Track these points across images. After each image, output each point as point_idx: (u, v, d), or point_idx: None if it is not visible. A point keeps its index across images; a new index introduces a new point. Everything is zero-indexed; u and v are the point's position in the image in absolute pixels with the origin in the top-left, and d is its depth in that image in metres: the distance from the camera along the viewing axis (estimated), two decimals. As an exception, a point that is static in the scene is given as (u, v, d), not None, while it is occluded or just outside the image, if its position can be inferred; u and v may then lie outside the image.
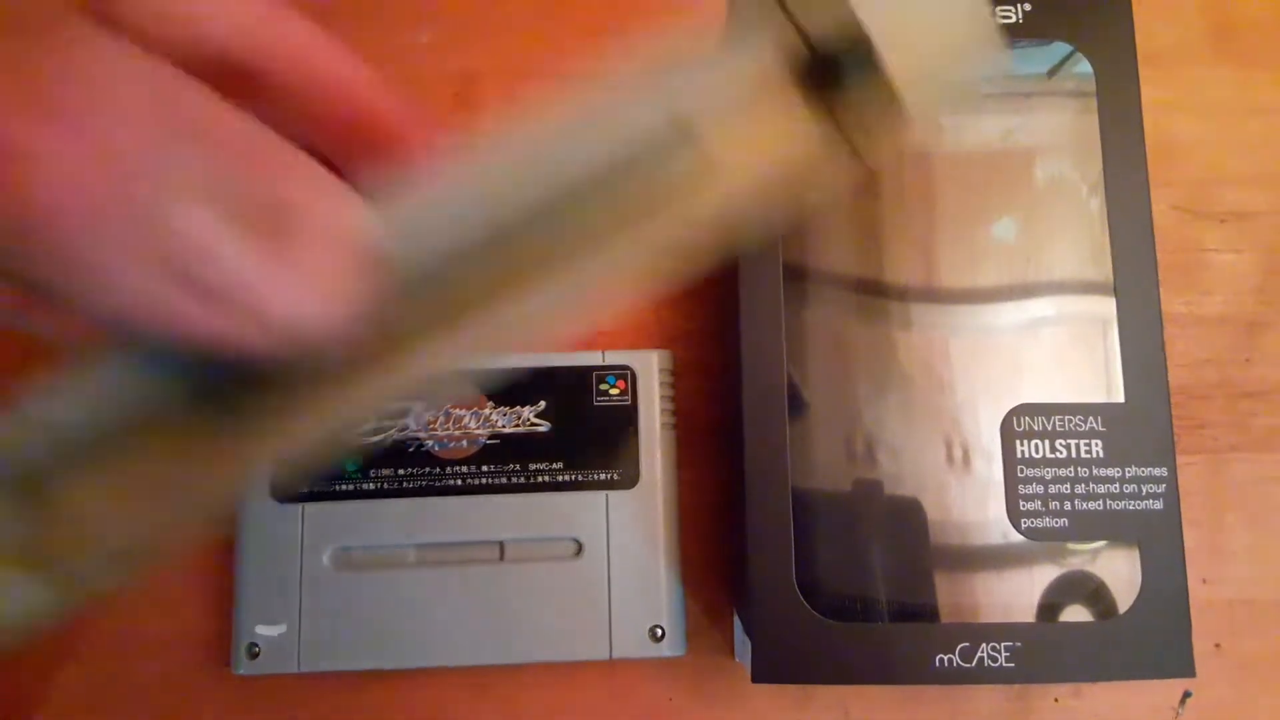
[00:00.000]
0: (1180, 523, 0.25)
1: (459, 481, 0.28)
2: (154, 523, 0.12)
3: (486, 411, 0.28)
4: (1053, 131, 0.27)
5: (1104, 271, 0.26)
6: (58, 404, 0.11)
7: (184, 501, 0.12)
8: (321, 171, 0.10)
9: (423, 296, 0.12)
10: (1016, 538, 0.25)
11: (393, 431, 0.28)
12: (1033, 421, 0.25)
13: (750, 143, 0.13)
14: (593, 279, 0.12)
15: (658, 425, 0.28)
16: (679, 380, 0.30)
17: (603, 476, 0.28)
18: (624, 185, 0.13)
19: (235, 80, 0.15)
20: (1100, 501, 0.25)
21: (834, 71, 0.12)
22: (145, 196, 0.09)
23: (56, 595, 0.12)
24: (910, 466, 0.25)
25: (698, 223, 0.13)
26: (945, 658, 0.24)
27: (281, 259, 0.10)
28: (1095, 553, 0.25)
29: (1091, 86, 0.27)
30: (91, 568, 0.12)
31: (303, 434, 0.12)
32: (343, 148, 0.16)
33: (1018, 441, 0.25)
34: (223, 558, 0.29)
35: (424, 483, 0.28)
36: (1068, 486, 0.25)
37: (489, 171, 0.12)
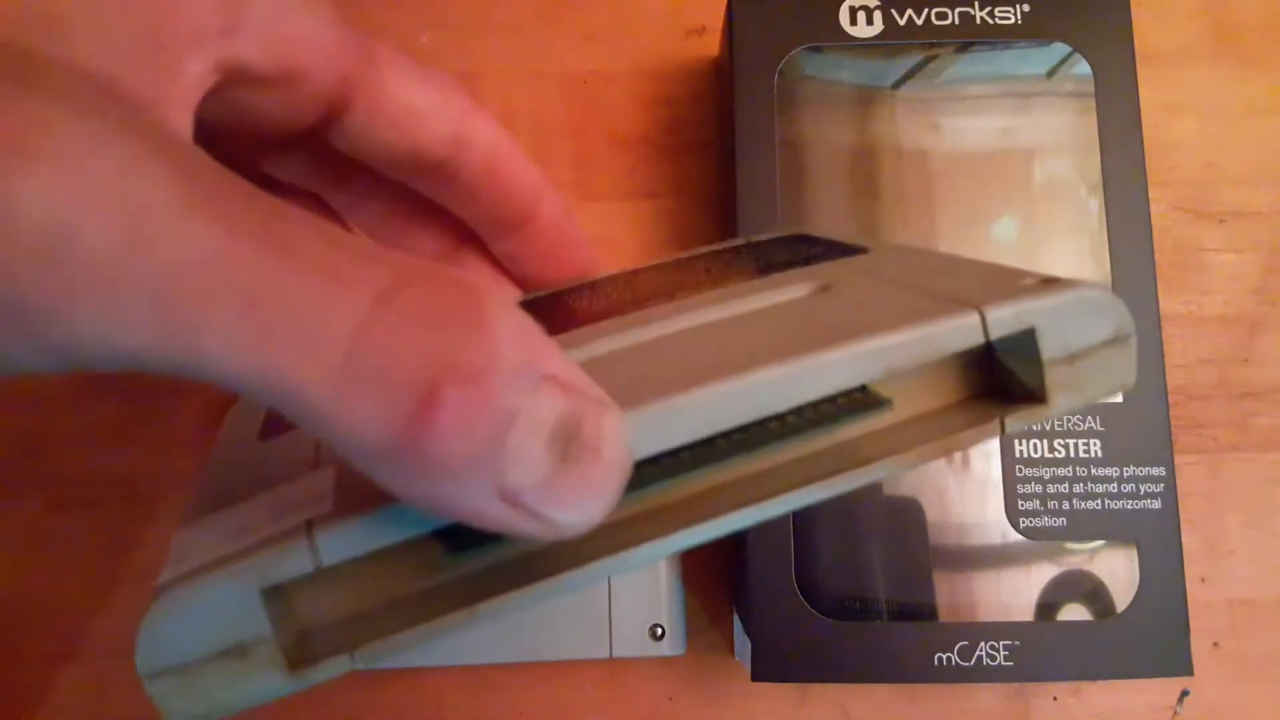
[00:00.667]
0: (1178, 522, 0.25)
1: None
2: (382, 637, 0.13)
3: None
4: (1052, 132, 0.27)
5: (1103, 271, 0.26)
6: (348, 532, 0.13)
7: (405, 631, 0.13)
8: (597, 390, 0.12)
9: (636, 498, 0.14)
10: (1015, 537, 0.25)
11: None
12: (1031, 421, 0.25)
13: (913, 401, 0.15)
14: (781, 490, 0.14)
15: (658, 425, 0.28)
16: (679, 380, 0.30)
17: (603, 476, 0.28)
18: (812, 434, 0.14)
19: (424, 171, 0.18)
20: (1098, 501, 0.25)
21: (999, 358, 0.15)
22: (503, 432, 0.11)
23: (289, 688, 0.13)
24: (909, 466, 0.25)
25: (870, 458, 0.14)
26: (944, 656, 0.24)
27: (573, 476, 0.12)
28: (1093, 552, 0.25)
29: (1090, 87, 0.27)
30: (323, 669, 0.13)
31: (509, 603, 0.13)
32: (498, 230, 0.20)
33: (1016, 440, 0.25)
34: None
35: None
36: (1066, 486, 0.25)
37: (735, 388, 0.13)
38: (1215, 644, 0.29)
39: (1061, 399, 0.14)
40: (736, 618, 0.28)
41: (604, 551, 0.14)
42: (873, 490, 0.25)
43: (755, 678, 0.24)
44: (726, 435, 0.14)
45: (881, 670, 0.24)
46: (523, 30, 0.33)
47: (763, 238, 0.23)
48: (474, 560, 0.14)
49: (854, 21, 0.27)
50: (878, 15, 0.27)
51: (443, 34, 0.33)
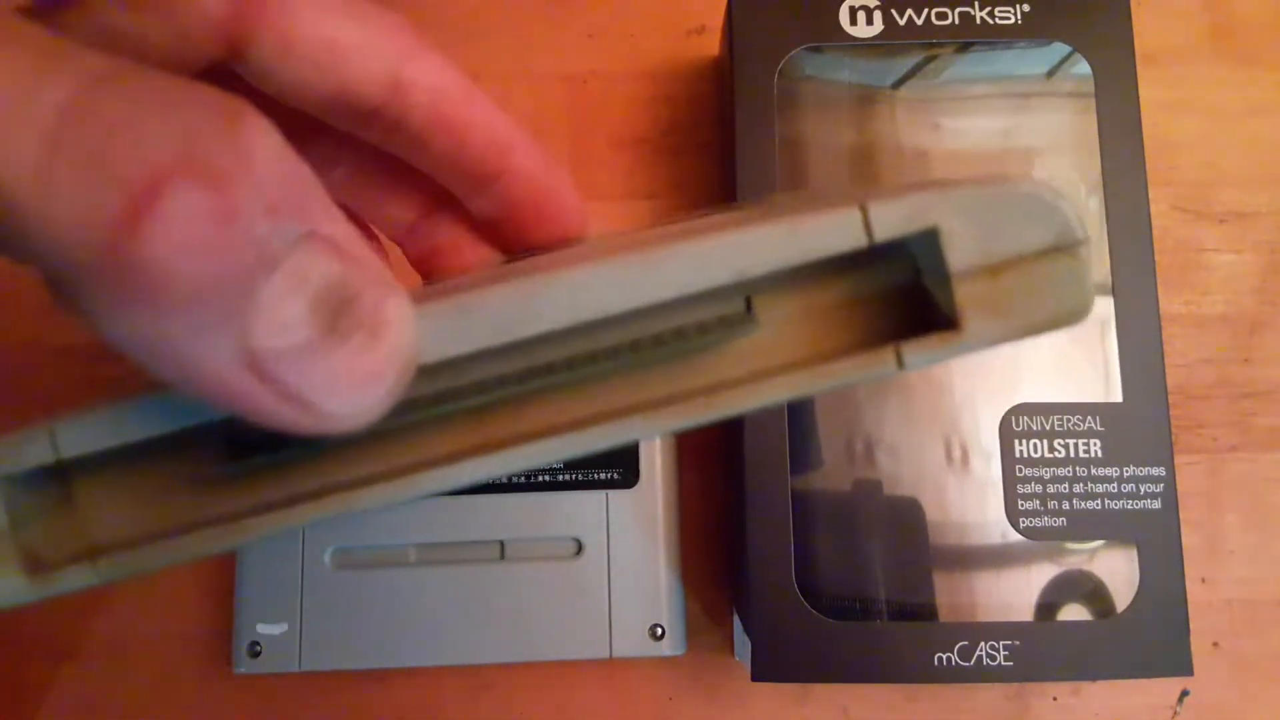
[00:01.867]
0: (1178, 522, 0.25)
1: (459, 481, 0.28)
2: (152, 546, 0.12)
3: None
4: (1051, 132, 0.27)
5: (1102, 271, 0.26)
6: (100, 417, 0.12)
7: (186, 533, 0.12)
8: (384, 269, 0.11)
9: (436, 397, 0.12)
10: (1015, 537, 0.25)
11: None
12: (1031, 421, 0.25)
13: (795, 328, 0.13)
14: (610, 417, 0.12)
15: (657, 425, 0.28)
16: (679, 380, 0.30)
17: (603, 476, 0.28)
18: (668, 332, 0.12)
19: (361, 118, 0.16)
20: (1098, 501, 0.25)
21: (896, 268, 0.12)
22: (253, 271, 0.09)
23: (26, 594, 0.12)
24: (909, 466, 0.25)
25: (723, 386, 0.12)
26: (944, 656, 0.24)
27: (341, 353, 0.10)
28: (1093, 552, 0.25)
29: (1090, 87, 0.27)
30: (78, 574, 0.12)
31: (307, 508, 0.12)
32: (467, 187, 0.18)
33: (1016, 441, 0.25)
34: (223, 557, 0.29)
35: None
36: (1066, 486, 0.25)
37: (542, 290, 0.12)
38: (1215, 644, 0.29)
39: (979, 324, 0.11)
40: (736, 618, 0.28)
41: (392, 473, 0.12)
42: (873, 490, 0.25)
43: (755, 678, 0.24)
44: (564, 356, 0.12)
45: (881, 670, 0.24)
46: (523, 30, 0.33)
47: (748, 201, 0.22)
48: (249, 470, 0.12)
49: (854, 21, 0.27)
50: (878, 15, 0.27)
51: (442, 34, 0.33)
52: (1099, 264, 0.26)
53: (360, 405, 0.11)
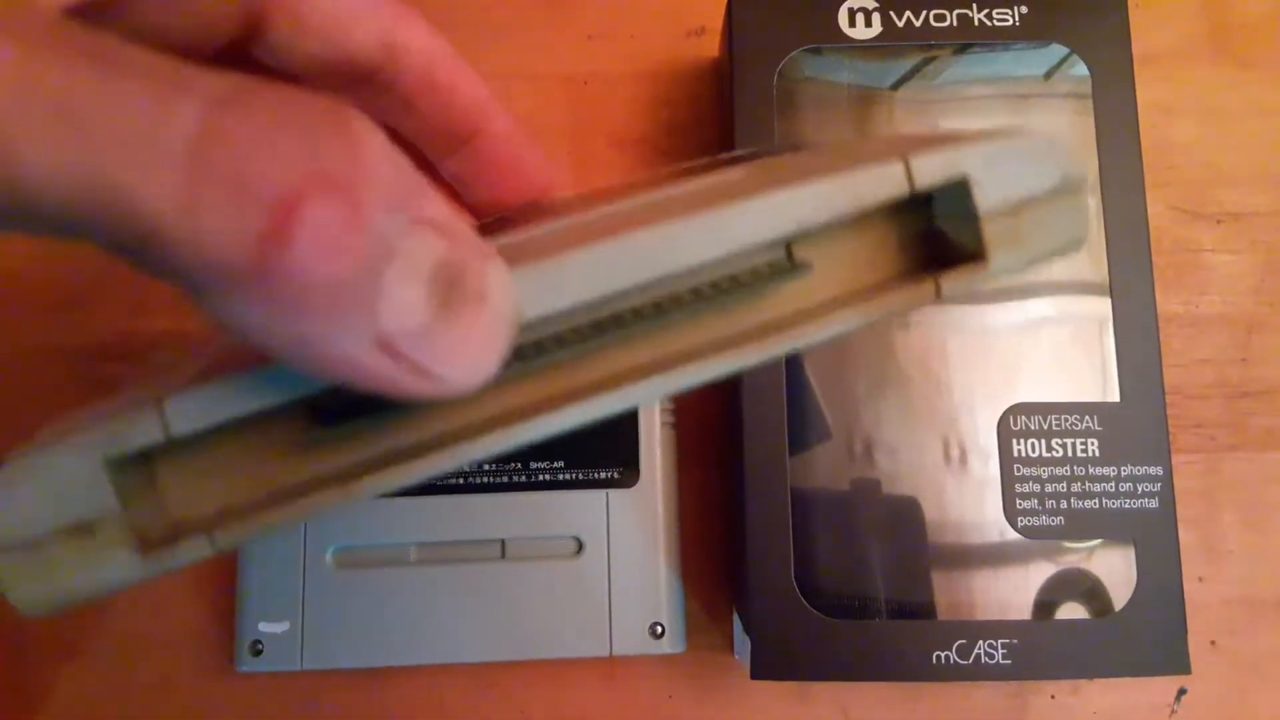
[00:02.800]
0: (1176, 521, 0.25)
1: (460, 480, 0.28)
2: (246, 517, 0.13)
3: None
4: (1049, 133, 0.27)
5: (1100, 271, 0.26)
6: (202, 398, 0.12)
7: (279, 501, 0.13)
8: (479, 239, 0.11)
9: (518, 355, 0.13)
10: (1013, 536, 0.25)
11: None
12: (1029, 421, 0.25)
13: (842, 268, 0.14)
14: (674, 359, 0.13)
15: (658, 425, 0.29)
16: (678, 380, 0.30)
17: (603, 475, 0.28)
18: (728, 279, 0.13)
19: (357, 83, 0.17)
20: (1096, 500, 0.25)
21: (929, 212, 0.14)
22: (378, 265, 0.10)
23: (142, 573, 0.12)
24: (908, 466, 0.25)
25: (783, 323, 0.14)
26: (943, 655, 0.24)
27: (456, 326, 0.11)
28: (1091, 551, 0.25)
29: (1088, 88, 0.27)
30: (179, 552, 0.13)
31: (400, 473, 0.13)
32: (444, 147, 0.19)
33: (1014, 440, 0.25)
34: (225, 556, 0.29)
35: (425, 482, 0.28)
36: (1064, 485, 0.25)
37: (624, 248, 0.12)
38: (1213, 642, 0.29)
39: (1002, 255, 0.13)
40: (736, 617, 0.28)
41: (492, 424, 0.13)
42: (872, 490, 0.25)
43: (755, 676, 0.24)
44: (632, 306, 0.13)
45: (880, 669, 0.24)
46: (523, 31, 0.33)
47: (742, 151, 0.22)
48: (348, 433, 0.13)
49: (853, 23, 0.27)
50: (876, 17, 0.27)
51: (442, 33, 0.33)
52: (1097, 264, 0.26)
53: (480, 370, 0.11)
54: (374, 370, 0.11)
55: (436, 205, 0.11)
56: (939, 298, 0.14)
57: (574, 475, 0.28)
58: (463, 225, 0.11)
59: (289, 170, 0.09)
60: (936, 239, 0.14)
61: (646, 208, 0.14)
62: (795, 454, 0.25)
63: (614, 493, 0.28)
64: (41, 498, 0.12)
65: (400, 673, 0.29)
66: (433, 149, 0.19)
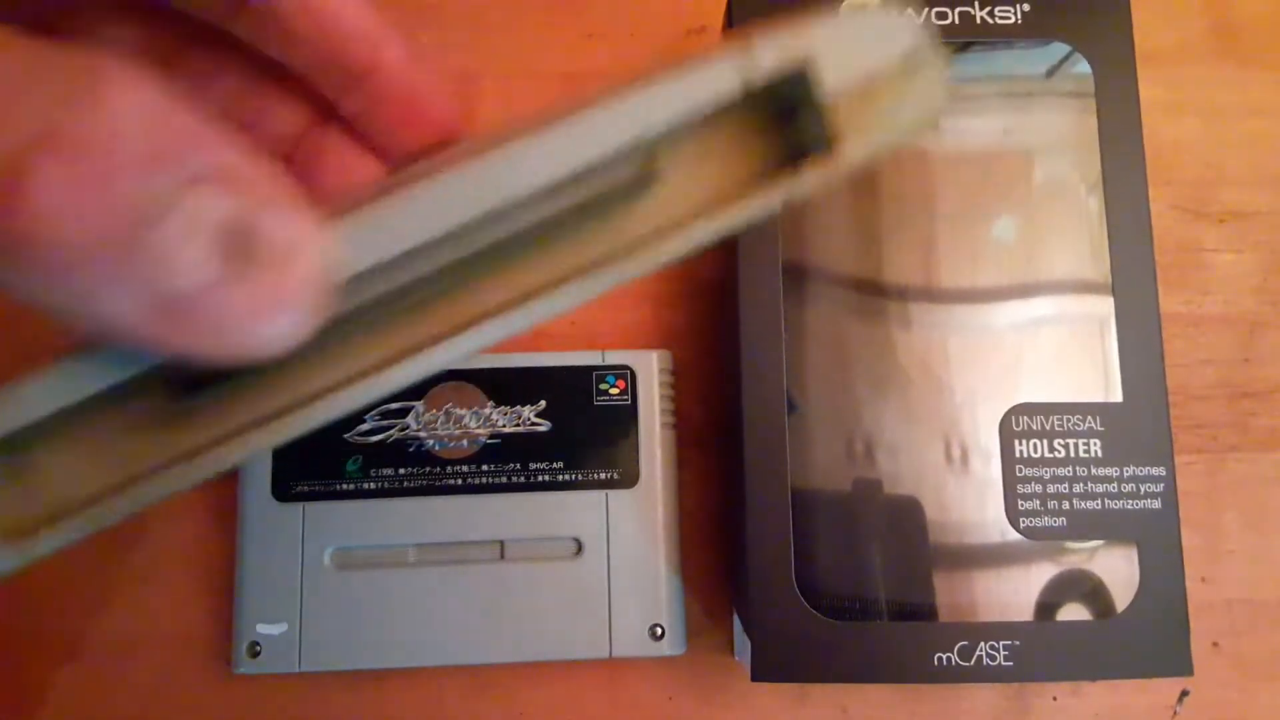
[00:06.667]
0: (1178, 522, 0.25)
1: (459, 481, 0.28)
2: (119, 494, 0.13)
3: (487, 411, 0.29)
4: (1051, 131, 0.27)
5: (1102, 271, 0.26)
6: (40, 384, 0.12)
7: (148, 476, 0.13)
8: (287, 191, 0.11)
9: (375, 302, 0.13)
10: (1015, 537, 0.25)
11: (393, 431, 0.28)
12: (1031, 421, 0.25)
13: (696, 179, 0.14)
14: (540, 288, 0.13)
15: (658, 425, 0.29)
16: (679, 380, 0.30)
17: (603, 476, 0.28)
18: (579, 198, 0.13)
19: (235, 10, 0.16)
20: (1098, 501, 0.25)
21: (781, 103, 0.13)
22: (136, 226, 0.10)
23: (19, 559, 0.13)
24: (909, 466, 0.25)
25: (639, 239, 0.13)
26: (944, 656, 0.24)
27: (249, 284, 0.11)
28: (1093, 552, 0.25)
29: (1090, 86, 0.27)
30: (58, 533, 0.13)
31: (265, 431, 0.13)
32: (339, 84, 0.18)
33: (1016, 441, 0.25)
34: (223, 557, 0.29)
35: (424, 482, 0.28)
36: (1066, 486, 0.25)
37: (453, 178, 0.12)
38: (1215, 644, 0.29)
39: (856, 142, 0.13)
40: (736, 618, 0.28)
41: (345, 380, 0.13)
42: (873, 491, 0.25)
43: (755, 678, 0.24)
44: (484, 244, 0.13)
45: (881, 670, 0.24)
46: (523, 30, 0.33)
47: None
48: (196, 405, 0.13)
49: (854, 21, 0.27)
50: (877, 15, 0.27)
51: (442, 33, 0.33)
52: (1099, 263, 0.26)
53: (280, 329, 0.11)
54: (160, 333, 0.10)
55: (227, 152, 0.11)
56: (798, 191, 0.13)
57: (573, 476, 0.28)
58: (266, 173, 0.11)
59: (18, 133, 0.09)
60: (789, 134, 0.13)
61: (480, 143, 0.14)
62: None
63: (613, 493, 0.28)
64: None
65: (399, 675, 0.29)
66: (328, 85, 0.18)
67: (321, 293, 0.11)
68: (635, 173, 0.13)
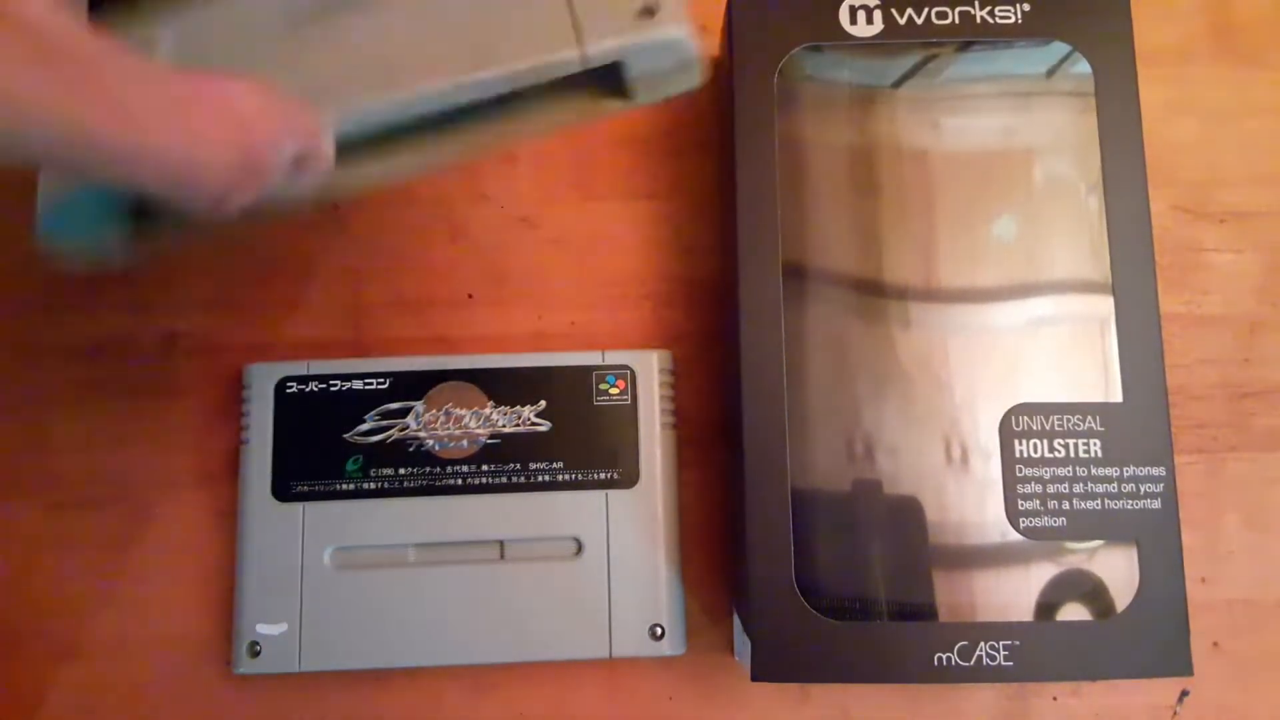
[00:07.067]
0: (1178, 522, 0.25)
1: (459, 481, 0.28)
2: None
3: (487, 411, 0.29)
4: (1052, 131, 0.27)
5: (1103, 271, 0.26)
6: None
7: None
8: (316, 127, 0.21)
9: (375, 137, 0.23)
10: (1015, 537, 0.25)
11: (393, 431, 0.28)
12: (1031, 421, 0.25)
13: (560, 96, 0.24)
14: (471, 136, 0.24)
15: (658, 425, 0.29)
16: (679, 380, 0.30)
17: (603, 476, 0.28)
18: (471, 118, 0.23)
19: None
20: (1098, 501, 0.25)
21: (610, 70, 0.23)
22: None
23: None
24: (909, 466, 0.25)
25: (529, 119, 0.24)
26: (944, 656, 0.24)
27: (304, 174, 0.21)
28: (1093, 552, 0.25)
29: (1090, 86, 0.27)
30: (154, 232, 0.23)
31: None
32: None
33: (1016, 441, 0.25)
34: (223, 557, 0.29)
35: (424, 482, 0.28)
36: (1066, 486, 0.25)
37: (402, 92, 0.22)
38: (1215, 644, 0.29)
39: (642, 96, 0.24)
40: (736, 618, 0.28)
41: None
42: (873, 490, 0.25)
43: (755, 678, 0.24)
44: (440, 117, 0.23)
45: (881, 670, 0.24)
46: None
47: None
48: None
49: (854, 21, 0.27)
50: (878, 15, 0.27)
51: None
52: (1099, 264, 0.26)
53: (316, 178, 0.22)
54: (231, 181, 0.19)
55: (299, 124, 0.21)
56: (600, 113, 0.24)
57: (573, 476, 0.28)
58: (314, 129, 0.21)
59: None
60: (606, 86, 0.24)
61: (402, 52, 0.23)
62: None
63: (613, 493, 0.28)
64: None
65: (399, 674, 0.29)
66: None
67: (329, 158, 0.21)
68: (534, 93, 0.23)
